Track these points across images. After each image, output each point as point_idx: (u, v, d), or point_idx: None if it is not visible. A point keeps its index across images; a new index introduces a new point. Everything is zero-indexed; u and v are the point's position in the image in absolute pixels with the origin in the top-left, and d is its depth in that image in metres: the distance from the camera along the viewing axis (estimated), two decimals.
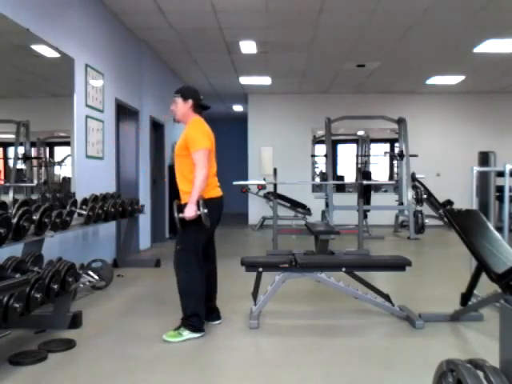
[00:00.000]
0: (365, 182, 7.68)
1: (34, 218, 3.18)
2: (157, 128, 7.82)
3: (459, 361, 1.61)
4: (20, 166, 4.27)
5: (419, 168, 9.21)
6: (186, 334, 3.19)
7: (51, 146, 4.91)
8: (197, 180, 3.14)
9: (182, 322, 3.25)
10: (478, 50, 7.29)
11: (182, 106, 3.36)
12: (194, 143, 3.20)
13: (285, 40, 6.96)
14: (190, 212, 3.11)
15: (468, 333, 3.33)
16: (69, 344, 3.00)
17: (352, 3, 5.59)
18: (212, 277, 3.52)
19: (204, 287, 3.33)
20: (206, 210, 3.16)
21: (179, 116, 3.40)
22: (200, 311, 3.27)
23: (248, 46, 7.23)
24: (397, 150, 9.51)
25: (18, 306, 2.54)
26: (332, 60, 8.10)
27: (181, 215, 3.15)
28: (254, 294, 3.68)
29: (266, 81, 9.68)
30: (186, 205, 3.16)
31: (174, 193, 3.52)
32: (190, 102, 3.35)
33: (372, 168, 11.36)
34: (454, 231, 3.48)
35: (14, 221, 2.92)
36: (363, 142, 11.56)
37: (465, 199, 4.69)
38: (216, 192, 3.39)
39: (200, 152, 3.18)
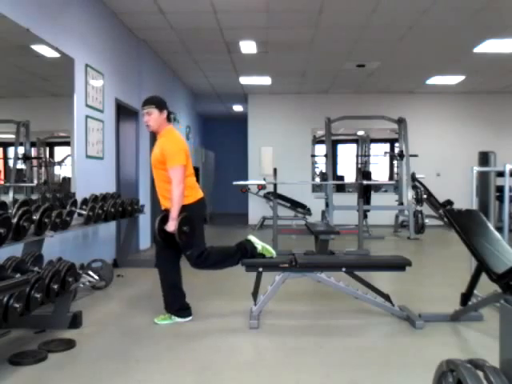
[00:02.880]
0: (365, 182, 7.68)
1: (34, 217, 3.18)
2: None
3: (459, 361, 1.61)
4: (20, 165, 4.27)
5: (419, 168, 9.21)
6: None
7: (51, 145, 4.91)
8: (174, 196, 3.30)
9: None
10: (477, 49, 7.29)
11: (158, 117, 3.45)
12: (171, 159, 3.32)
13: (285, 40, 6.96)
14: (172, 227, 3.30)
15: (468, 333, 3.33)
16: (69, 344, 3.00)
17: (352, 3, 5.59)
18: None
19: (224, 246, 3.68)
20: (185, 228, 3.33)
21: (155, 127, 3.48)
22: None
23: (248, 46, 7.23)
24: (397, 150, 9.51)
25: (17, 306, 2.54)
26: (332, 60, 8.10)
27: (164, 227, 3.33)
28: (254, 294, 3.67)
29: (266, 81, 9.68)
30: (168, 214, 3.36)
31: None
32: (165, 112, 3.48)
33: (372, 168, 11.36)
34: (454, 231, 3.47)
35: (14, 221, 2.92)
36: (363, 142, 11.57)
37: (465, 199, 4.68)
38: (200, 193, 3.58)
39: (177, 168, 3.32)
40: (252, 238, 3.62)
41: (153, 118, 3.43)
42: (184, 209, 3.35)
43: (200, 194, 3.54)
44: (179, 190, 3.30)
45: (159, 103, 3.47)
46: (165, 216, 3.39)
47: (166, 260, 3.55)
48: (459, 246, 3.91)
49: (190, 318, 3.57)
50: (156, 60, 7.81)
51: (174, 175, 3.30)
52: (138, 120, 6.90)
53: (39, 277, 2.83)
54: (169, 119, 3.53)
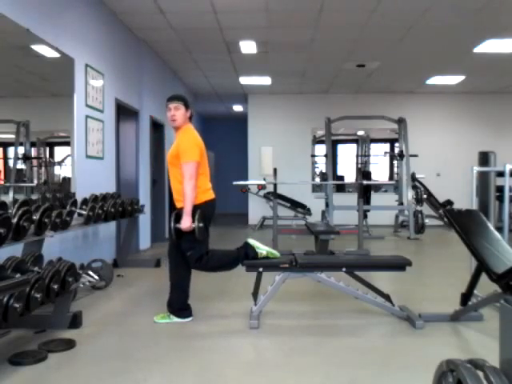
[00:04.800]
0: (365, 182, 7.68)
1: (34, 218, 3.18)
2: (157, 128, 7.83)
3: (459, 361, 1.61)
4: (20, 165, 4.27)
5: (419, 168, 9.21)
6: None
7: (51, 145, 4.91)
8: (187, 192, 3.32)
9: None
10: (478, 49, 7.29)
11: (184, 114, 3.51)
12: (184, 154, 3.36)
13: (285, 40, 6.96)
14: (186, 223, 3.30)
15: (468, 333, 3.33)
16: (69, 344, 3.00)
17: (352, 3, 5.59)
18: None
19: (225, 251, 3.67)
20: (201, 224, 3.33)
21: (180, 122, 3.52)
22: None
23: (248, 46, 7.23)
24: (397, 150, 9.51)
25: (17, 306, 2.54)
26: (332, 60, 8.10)
27: (177, 226, 3.33)
28: (254, 294, 3.68)
29: (266, 81, 9.68)
30: (182, 212, 3.36)
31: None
32: (190, 112, 3.56)
33: (372, 168, 11.36)
34: (454, 231, 3.47)
35: (14, 221, 2.92)
36: (363, 142, 11.57)
37: (465, 199, 4.68)
38: (210, 195, 3.55)
39: (190, 164, 3.34)
40: (254, 242, 3.56)
41: (180, 113, 3.49)
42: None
43: (208, 196, 3.50)
44: (190, 185, 3.31)
45: (187, 102, 3.57)
46: (177, 214, 3.39)
47: (177, 259, 3.56)
48: (459, 246, 3.91)
49: (190, 318, 3.57)
50: (156, 60, 7.81)
51: (185, 170, 3.33)
52: (137, 120, 6.90)
53: (39, 277, 2.83)
54: (190, 120, 3.61)
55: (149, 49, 7.35)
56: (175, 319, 3.53)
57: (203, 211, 3.39)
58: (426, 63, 8.31)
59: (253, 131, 11.19)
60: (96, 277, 4.34)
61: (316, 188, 10.84)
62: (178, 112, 3.48)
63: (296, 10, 5.80)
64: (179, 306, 3.55)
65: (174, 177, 3.49)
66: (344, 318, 3.66)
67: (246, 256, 3.51)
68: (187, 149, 3.37)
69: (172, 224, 3.37)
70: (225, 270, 3.68)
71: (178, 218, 3.36)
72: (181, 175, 3.38)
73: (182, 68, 8.72)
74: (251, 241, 3.58)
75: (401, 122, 9.00)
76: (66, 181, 4.87)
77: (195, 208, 3.35)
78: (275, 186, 7.29)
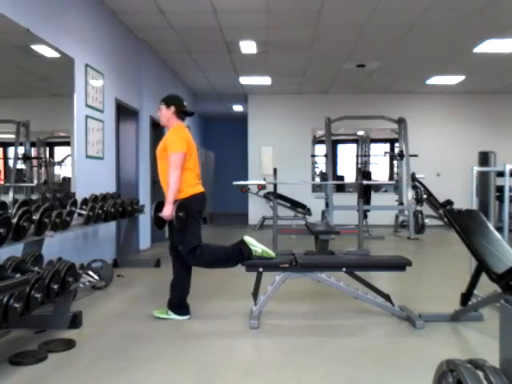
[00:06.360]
0: (365, 182, 7.68)
1: (34, 217, 3.18)
2: (157, 128, 7.82)
3: (459, 361, 1.61)
4: (20, 165, 4.27)
5: (419, 168, 9.21)
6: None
7: (51, 145, 4.91)
8: (171, 181, 3.41)
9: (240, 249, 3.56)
10: (477, 49, 7.29)
11: (165, 113, 3.64)
12: (170, 146, 3.47)
13: (285, 40, 6.96)
14: (167, 211, 3.38)
15: (468, 333, 3.33)
16: (69, 344, 3.00)
17: (352, 3, 5.59)
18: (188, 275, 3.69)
19: (219, 246, 3.69)
20: (181, 214, 3.38)
21: (163, 121, 3.69)
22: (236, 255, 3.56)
23: (248, 46, 7.23)
24: (397, 150, 9.51)
25: (17, 306, 2.54)
26: (332, 60, 8.10)
27: (159, 214, 3.44)
28: (255, 294, 3.68)
29: (266, 81, 9.68)
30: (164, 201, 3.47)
31: None
32: (173, 108, 3.62)
33: (372, 168, 11.36)
34: (454, 231, 3.47)
35: (14, 221, 2.92)
36: (363, 142, 11.57)
37: (465, 199, 4.69)
38: (198, 188, 3.60)
39: (175, 155, 3.44)
40: (250, 240, 3.56)
41: (161, 113, 3.65)
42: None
43: (194, 190, 3.54)
44: (175, 175, 3.39)
45: (167, 99, 3.67)
46: (160, 203, 3.50)
47: (178, 257, 3.59)
48: (459, 246, 3.91)
49: (187, 317, 3.59)
50: (156, 60, 7.81)
51: (171, 161, 3.42)
52: (137, 120, 6.90)
53: (39, 277, 2.82)
54: (181, 117, 3.65)
55: (149, 49, 7.35)
56: (172, 316, 3.57)
57: (186, 203, 3.43)
58: (425, 63, 8.31)
59: (253, 131, 11.19)
60: (96, 277, 4.33)
61: (316, 188, 10.84)
62: (160, 112, 3.65)
63: (296, 10, 5.80)
64: (177, 303, 3.58)
65: (163, 170, 3.55)
66: (344, 318, 3.66)
67: (240, 253, 3.51)
68: (173, 141, 3.48)
69: (153, 212, 3.48)
70: (220, 265, 3.72)
71: (160, 208, 3.44)
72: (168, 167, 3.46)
73: (182, 68, 8.72)
74: (247, 238, 3.58)
75: (401, 122, 9.00)
76: (66, 181, 4.87)
77: (179, 201, 3.41)
78: (275, 186, 7.29)
